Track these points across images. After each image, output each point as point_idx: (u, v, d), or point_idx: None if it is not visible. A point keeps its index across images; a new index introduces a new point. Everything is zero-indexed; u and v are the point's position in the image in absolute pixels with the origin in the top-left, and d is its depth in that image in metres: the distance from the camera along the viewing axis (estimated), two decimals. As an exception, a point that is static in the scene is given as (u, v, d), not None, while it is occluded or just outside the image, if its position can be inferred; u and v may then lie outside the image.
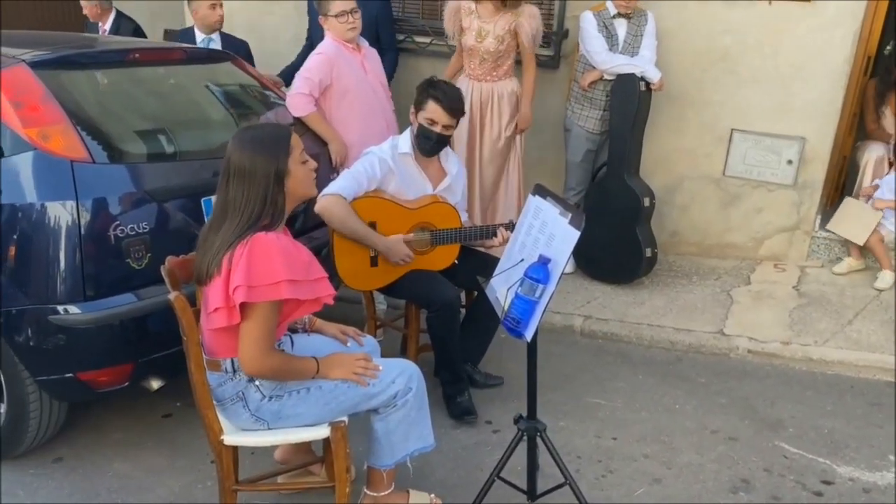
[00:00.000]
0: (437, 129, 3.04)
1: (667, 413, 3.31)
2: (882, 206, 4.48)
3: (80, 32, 5.95)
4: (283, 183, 2.07)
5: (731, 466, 2.94)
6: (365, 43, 3.83)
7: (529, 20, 4.01)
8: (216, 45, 4.67)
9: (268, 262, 2.00)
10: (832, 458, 3.01)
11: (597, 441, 3.08)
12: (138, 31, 5.84)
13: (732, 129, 4.68)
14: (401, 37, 4.94)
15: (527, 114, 4.21)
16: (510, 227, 3.04)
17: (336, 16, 3.60)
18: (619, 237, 4.35)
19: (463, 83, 4.09)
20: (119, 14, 5.81)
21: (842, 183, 5.19)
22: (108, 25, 5.74)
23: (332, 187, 2.96)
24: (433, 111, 3.02)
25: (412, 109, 3.12)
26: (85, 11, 5.76)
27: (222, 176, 2.08)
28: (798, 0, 4.34)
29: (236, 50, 4.42)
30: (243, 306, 2.02)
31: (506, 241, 2.98)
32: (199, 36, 4.67)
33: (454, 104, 3.03)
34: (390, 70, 4.49)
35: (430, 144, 3.08)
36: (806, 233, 4.75)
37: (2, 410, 2.73)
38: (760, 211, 4.78)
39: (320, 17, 3.67)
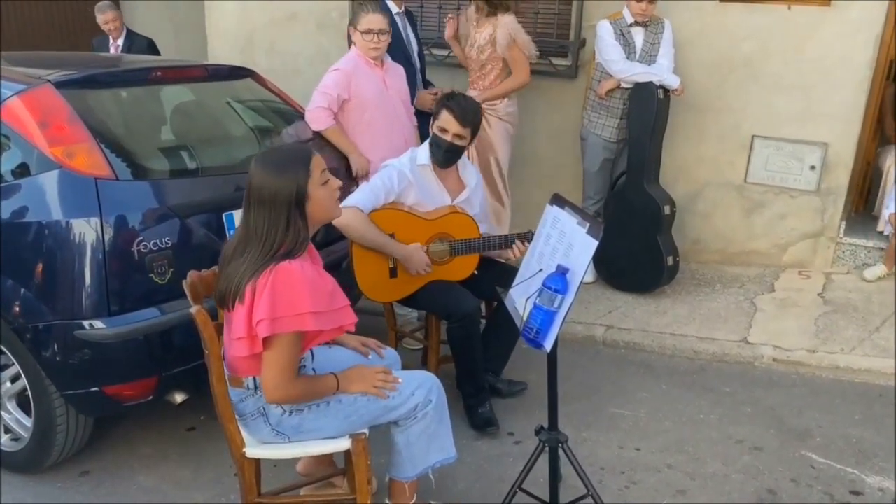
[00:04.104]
0: (448, 137, 3.06)
1: (691, 423, 3.28)
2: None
3: (79, 32, 6.03)
4: (304, 207, 2.06)
5: (757, 477, 2.90)
6: (388, 59, 3.85)
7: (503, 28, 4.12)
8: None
9: (292, 294, 1.99)
10: (861, 468, 2.96)
11: (620, 452, 3.06)
12: (152, 47, 5.89)
13: (753, 136, 4.65)
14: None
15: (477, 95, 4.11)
16: (528, 237, 3.04)
17: (363, 32, 3.64)
18: (640, 246, 4.33)
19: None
20: (130, 32, 5.88)
21: (867, 189, 5.12)
22: (120, 41, 5.79)
23: (351, 200, 2.98)
24: (445, 120, 3.06)
25: (431, 121, 3.15)
26: (108, 27, 5.77)
27: (245, 201, 2.08)
28: (819, 5, 4.31)
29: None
30: (266, 337, 2.02)
31: (522, 254, 2.98)
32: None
33: (466, 114, 3.06)
34: None
35: (440, 152, 3.09)
36: (830, 239, 4.69)
37: (30, 425, 2.78)
38: (784, 217, 4.73)
39: (349, 26, 3.69)
